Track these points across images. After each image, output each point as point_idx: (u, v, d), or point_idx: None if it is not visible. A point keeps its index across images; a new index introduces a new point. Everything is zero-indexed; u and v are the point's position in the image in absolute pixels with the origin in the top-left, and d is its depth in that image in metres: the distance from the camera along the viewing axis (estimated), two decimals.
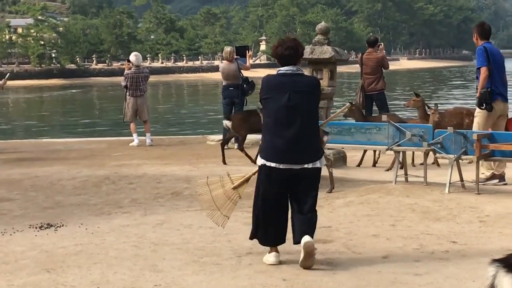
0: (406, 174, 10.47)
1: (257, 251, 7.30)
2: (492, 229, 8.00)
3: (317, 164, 6.75)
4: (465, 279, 6.27)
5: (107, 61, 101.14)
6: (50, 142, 18.35)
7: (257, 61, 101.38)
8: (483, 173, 10.28)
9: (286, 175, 6.68)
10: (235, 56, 15.47)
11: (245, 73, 16.01)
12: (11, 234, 8.10)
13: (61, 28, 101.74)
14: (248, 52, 15.84)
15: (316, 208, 7.05)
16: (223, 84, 15.65)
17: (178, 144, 16.17)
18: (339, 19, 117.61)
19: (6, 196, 10.44)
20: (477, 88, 10.65)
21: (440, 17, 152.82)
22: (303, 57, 12.37)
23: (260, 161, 6.80)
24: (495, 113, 10.56)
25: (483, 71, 10.49)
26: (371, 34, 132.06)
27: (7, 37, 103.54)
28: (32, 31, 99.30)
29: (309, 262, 6.63)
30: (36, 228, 8.45)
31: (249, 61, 15.62)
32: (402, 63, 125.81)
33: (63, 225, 8.59)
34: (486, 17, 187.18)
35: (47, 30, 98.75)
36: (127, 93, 16.49)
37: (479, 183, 9.79)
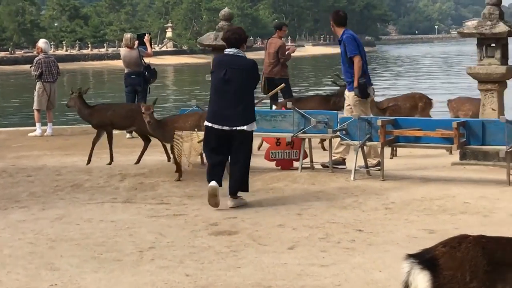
0: (311, 161, 10.37)
1: (159, 245, 7.09)
2: (398, 216, 7.95)
3: (244, 128, 8.47)
4: (372, 269, 6.18)
5: (9, 49, 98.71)
6: None
7: (164, 48, 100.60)
8: (369, 160, 10.15)
9: (220, 134, 8.50)
10: (136, 45, 15.09)
11: (151, 60, 15.68)
12: None
13: None
14: (145, 38, 15.42)
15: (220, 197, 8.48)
16: (125, 71, 15.29)
17: (80, 133, 15.67)
18: (244, 6, 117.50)
19: None
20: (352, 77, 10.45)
21: (343, 4, 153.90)
22: (207, 43, 12.24)
23: (205, 121, 8.69)
24: (371, 98, 10.59)
25: (358, 59, 10.33)
26: (276, 20, 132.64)
27: None
28: None
29: (210, 201, 8.47)
30: None
31: (150, 47, 15.28)
32: (307, 49, 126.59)
33: None
34: (388, 4, 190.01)
35: None
36: (41, 80, 15.93)
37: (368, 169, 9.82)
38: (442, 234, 7.16)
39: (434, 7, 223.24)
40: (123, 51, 15.23)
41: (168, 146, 10.46)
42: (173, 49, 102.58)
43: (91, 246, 7.06)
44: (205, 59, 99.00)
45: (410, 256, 3.53)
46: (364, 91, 10.28)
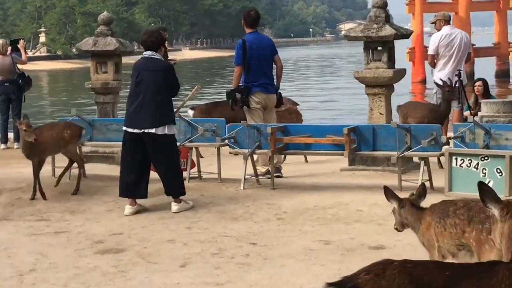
0: (199, 171, 10.01)
1: (41, 267, 6.60)
2: (292, 226, 7.69)
3: (159, 131, 8.29)
4: (269, 286, 5.87)
5: None
6: None
7: (37, 53, 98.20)
8: (258, 169, 9.87)
9: (133, 137, 8.36)
10: (9, 51, 14.38)
11: (24, 66, 14.98)
12: None
13: None
14: (20, 44, 14.73)
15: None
16: None
17: None
18: (120, 10, 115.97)
19: None
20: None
21: (219, 7, 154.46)
22: (86, 49, 11.72)
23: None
24: (257, 106, 10.21)
25: (236, 70, 10.23)
26: (152, 24, 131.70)
27: None
28: None
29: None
30: None
31: (24, 54, 14.58)
32: (184, 53, 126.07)
33: None
34: (263, 7, 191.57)
35: None
36: None
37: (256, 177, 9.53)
38: (338, 245, 6.98)
39: (308, 11, 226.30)
40: None
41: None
42: (47, 54, 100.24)
43: None
44: (80, 64, 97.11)
45: (330, 285, 3.20)
46: (232, 101, 10.16)
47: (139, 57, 8.84)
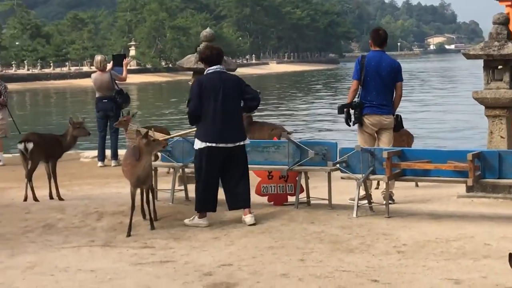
0: (308, 196, 9.50)
1: None
2: (414, 261, 7.08)
3: (246, 142, 8.79)
4: None
5: None
6: None
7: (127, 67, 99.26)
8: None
9: (221, 153, 8.54)
10: (109, 67, 14.20)
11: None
12: None
13: None
14: (125, 60, 14.55)
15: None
16: (96, 96, 14.35)
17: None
18: (208, 24, 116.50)
19: None
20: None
21: (307, 21, 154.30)
22: (187, 66, 11.39)
23: (202, 142, 8.54)
24: (369, 127, 9.69)
25: (352, 84, 9.92)
26: (240, 38, 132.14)
27: None
28: None
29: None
30: None
31: (126, 71, 14.34)
32: (271, 67, 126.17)
33: None
34: (350, 21, 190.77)
35: None
36: None
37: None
38: (469, 284, 6.36)
39: (396, 24, 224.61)
40: (94, 74, 14.26)
41: None
42: (136, 67, 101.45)
43: None
44: (169, 77, 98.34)
45: None
46: (342, 114, 9.85)
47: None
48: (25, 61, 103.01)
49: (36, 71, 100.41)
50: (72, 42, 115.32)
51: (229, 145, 8.55)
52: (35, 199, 10.48)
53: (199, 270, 7.02)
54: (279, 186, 9.52)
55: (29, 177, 10.59)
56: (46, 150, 10.74)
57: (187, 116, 8.96)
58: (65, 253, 7.83)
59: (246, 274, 6.87)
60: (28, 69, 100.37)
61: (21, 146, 10.61)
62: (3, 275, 7.04)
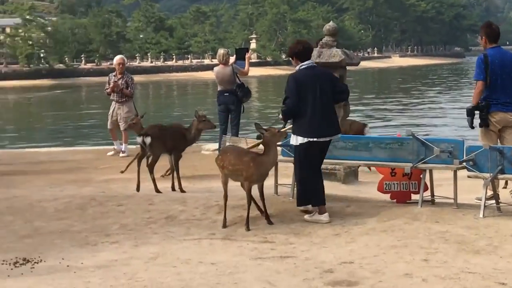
0: (432, 195, 9.27)
1: None
2: None
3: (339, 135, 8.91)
4: None
5: (96, 60, 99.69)
6: (32, 153, 17.06)
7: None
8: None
9: (321, 147, 8.68)
10: (232, 60, 14.25)
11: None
12: None
13: (49, 28, 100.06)
14: (247, 54, 14.58)
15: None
16: (218, 89, 14.42)
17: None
18: (330, 17, 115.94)
19: None
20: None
21: (432, 14, 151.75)
22: None
23: (303, 137, 8.56)
24: (493, 125, 9.33)
25: (477, 85, 9.44)
26: (362, 31, 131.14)
27: None
28: (20, 31, 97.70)
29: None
30: (10, 264, 7.25)
31: (248, 65, 14.36)
32: (394, 60, 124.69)
33: (41, 261, 7.38)
34: (477, 14, 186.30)
35: (35, 29, 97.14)
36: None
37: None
38: None
39: None
40: (216, 67, 14.34)
41: None
42: (257, 60, 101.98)
43: None
44: (289, 71, 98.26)
45: None
46: (469, 117, 9.37)
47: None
48: (148, 54, 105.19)
49: (159, 63, 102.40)
50: (194, 35, 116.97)
51: (327, 139, 8.68)
52: (157, 190, 10.61)
53: (319, 267, 6.95)
54: (402, 184, 9.34)
55: (150, 169, 10.75)
56: (168, 142, 10.88)
57: (282, 113, 8.88)
58: (187, 245, 7.89)
59: (368, 272, 6.75)
60: (151, 62, 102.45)
61: (139, 140, 10.86)
62: (126, 265, 7.15)
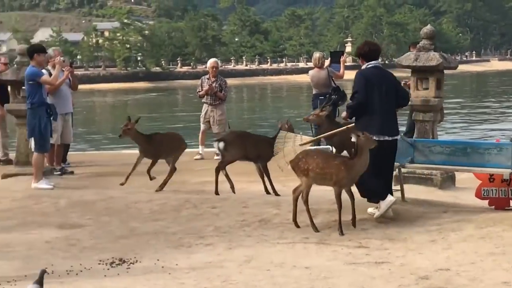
0: None
1: None
2: None
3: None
4: None
5: (191, 63, 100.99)
6: (128, 154, 17.34)
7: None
8: None
9: (386, 146, 8.66)
10: (327, 63, 14.20)
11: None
12: (77, 274, 7.03)
13: (146, 31, 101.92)
14: (342, 58, 14.49)
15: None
16: (313, 92, 14.38)
17: None
18: (427, 20, 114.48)
19: (77, 222, 9.41)
20: None
21: None
22: (405, 64, 11.14)
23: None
24: None
25: None
26: (460, 35, 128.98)
27: (94, 40, 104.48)
28: (118, 34, 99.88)
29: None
30: (106, 264, 7.38)
31: (343, 68, 14.29)
32: (492, 64, 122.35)
33: (136, 261, 7.49)
34: None
35: (133, 33, 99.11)
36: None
37: None
38: None
39: None
40: (311, 71, 14.31)
41: None
42: (352, 63, 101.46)
43: None
44: None
45: None
46: None
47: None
48: (243, 57, 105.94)
49: (253, 66, 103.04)
50: (289, 39, 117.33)
51: (389, 138, 8.75)
52: (217, 192, 10.65)
53: (415, 273, 6.84)
54: (501, 190, 9.13)
55: (222, 169, 10.76)
56: (250, 150, 10.82)
57: (349, 108, 9.04)
58: (281, 249, 7.88)
59: (465, 280, 6.61)
60: (246, 65, 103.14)
61: (215, 145, 10.95)
62: (220, 268, 7.18)
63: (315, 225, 8.53)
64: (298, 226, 8.69)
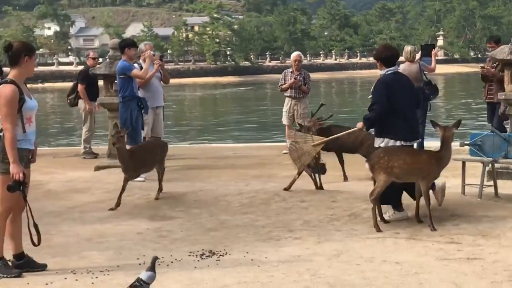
0: None
1: None
2: None
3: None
4: None
5: (280, 58, 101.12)
6: (218, 148, 17.51)
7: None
8: None
9: None
10: (418, 56, 14.00)
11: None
12: (168, 265, 7.11)
13: (236, 26, 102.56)
14: (434, 51, 14.27)
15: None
16: None
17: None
18: None
19: (168, 214, 9.53)
20: None
21: None
22: (500, 57, 10.90)
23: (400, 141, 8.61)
24: None
25: None
26: None
27: (184, 35, 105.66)
28: (208, 29, 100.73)
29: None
30: (196, 256, 7.45)
31: (434, 61, 14.07)
32: None
33: (226, 253, 7.54)
34: None
35: (222, 28, 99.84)
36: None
37: None
38: None
39: None
40: (402, 65, 14.12)
41: None
42: (444, 57, 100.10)
43: None
44: (477, 68, 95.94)
45: None
46: None
47: None
48: (332, 51, 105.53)
49: (343, 61, 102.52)
50: (379, 32, 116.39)
51: (413, 143, 8.87)
52: (319, 187, 10.62)
53: (508, 270, 6.72)
54: None
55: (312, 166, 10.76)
56: (337, 144, 10.89)
57: (366, 120, 8.84)
58: (370, 243, 7.83)
59: None
60: (335, 59, 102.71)
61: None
62: (309, 262, 7.16)
63: (378, 225, 8.42)
64: (386, 222, 8.63)
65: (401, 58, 14.22)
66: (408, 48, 14.06)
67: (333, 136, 10.01)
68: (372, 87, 9.07)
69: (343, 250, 7.56)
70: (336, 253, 7.47)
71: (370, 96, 9.59)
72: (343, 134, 10.13)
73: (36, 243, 6.77)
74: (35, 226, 6.72)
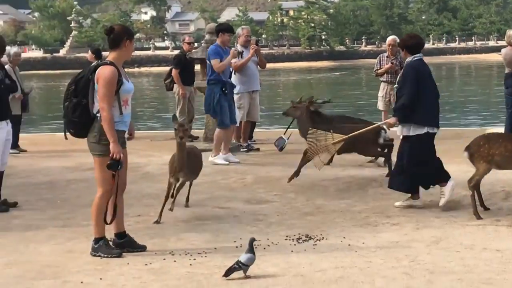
0: None
1: None
2: None
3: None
4: None
5: (376, 42, 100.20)
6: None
7: None
8: None
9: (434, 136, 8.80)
10: None
11: None
12: (264, 248, 7.11)
13: (331, 10, 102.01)
14: None
15: None
16: (506, 71, 13.81)
17: (453, 137, 14.29)
18: None
19: (264, 198, 9.54)
20: None
21: None
22: None
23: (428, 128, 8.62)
24: None
25: None
26: None
27: (279, 19, 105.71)
28: (303, 13, 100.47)
29: None
30: (293, 240, 7.43)
31: None
32: None
33: (323, 238, 7.50)
34: None
35: (317, 12, 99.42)
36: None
37: None
38: None
39: None
40: (504, 49, 13.75)
41: None
42: None
43: (475, 284, 5.94)
44: None
45: None
46: None
47: None
48: (430, 36, 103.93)
49: (441, 45, 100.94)
50: (479, 16, 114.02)
51: (438, 130, 8.78)
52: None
53: None
54: None
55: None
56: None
57: (398, 111, 8.72)
58: (470, 231, 7.69)
59: None
60: (433, 44, 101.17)
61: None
62: (408, 248, 7.07)
63: (478, 213, 8.22)
64: (487, 209, 8.44)
65: (503, 43, 13.89)
66: (510, 32, 13.65)
67: (353, 134, 9.57)
68: (398, 77, 9.09)
69: (442, 237, 7.44)
70: (435, 239, 7.35)
71: (396, 86, 9.46)
72: (364, 131, 9.78)
73: (108, 222, 6.84)
74: (114, 206, 6.80)
